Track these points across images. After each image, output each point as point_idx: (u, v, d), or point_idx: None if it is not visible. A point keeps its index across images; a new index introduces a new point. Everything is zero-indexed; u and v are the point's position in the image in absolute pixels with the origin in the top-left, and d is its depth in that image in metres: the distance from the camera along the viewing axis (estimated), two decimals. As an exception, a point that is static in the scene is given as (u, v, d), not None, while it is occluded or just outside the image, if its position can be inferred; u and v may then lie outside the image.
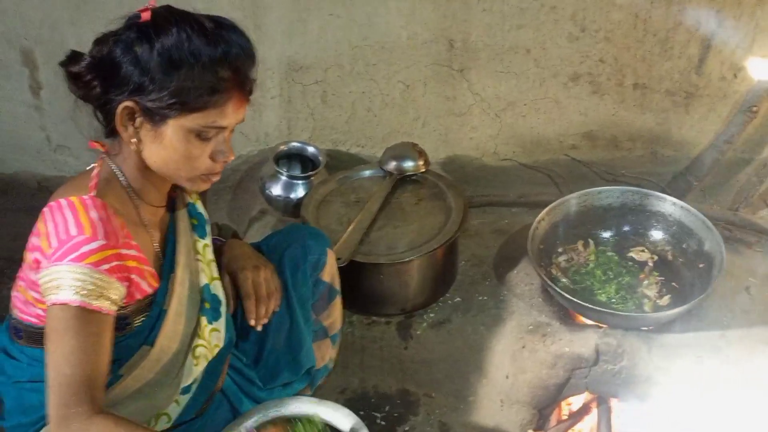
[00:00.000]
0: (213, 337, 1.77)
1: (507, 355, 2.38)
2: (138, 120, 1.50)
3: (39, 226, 1.50)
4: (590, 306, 2.24)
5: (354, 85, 2.90)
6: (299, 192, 2.79)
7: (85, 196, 1.49)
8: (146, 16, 1.48)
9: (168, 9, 1.51)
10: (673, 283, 2.48)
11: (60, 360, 1.43)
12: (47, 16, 2.74)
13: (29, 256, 1.53)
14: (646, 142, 2.93)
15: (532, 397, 2.36)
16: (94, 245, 1.45)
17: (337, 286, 2.12)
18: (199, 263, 1.78)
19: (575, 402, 2.50)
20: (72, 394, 1.43)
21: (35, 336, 1.57)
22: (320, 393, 2.52)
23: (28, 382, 1.61)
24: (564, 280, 2.49)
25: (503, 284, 2.59)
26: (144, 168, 1.58)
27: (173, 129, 1.49)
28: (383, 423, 2.51)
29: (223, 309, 1.82)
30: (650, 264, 2.54)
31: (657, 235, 2.58)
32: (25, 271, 1.56)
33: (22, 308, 1.59)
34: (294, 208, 2.77)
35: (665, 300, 2.41)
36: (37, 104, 2.94)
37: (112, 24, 1.51)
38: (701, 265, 2.42)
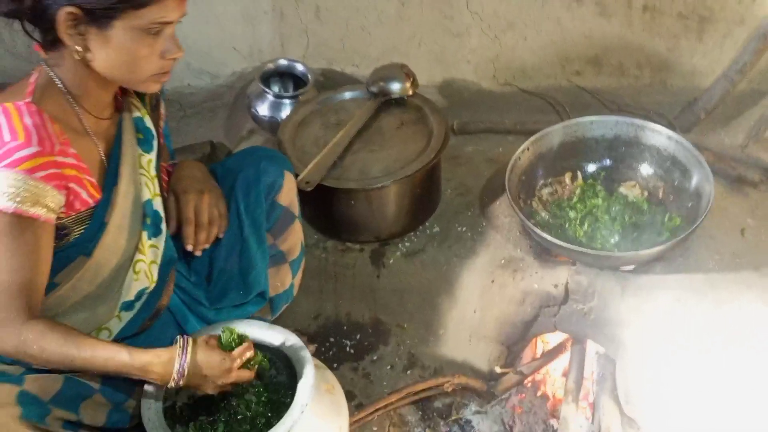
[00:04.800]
0: (151, 253, 1.75)
1: (476, 289, 2.29)
2: (82, 26, 1.47)
3: None
4: (556, 242, 2.11)
5: (347, 1, 2.77)
6: (286, 112, 2.71)
7: (20, 102, 1.48)
8: None
9: None
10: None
11: None
12: None
13: None
14: (655, 70, 2.73)
15: (500, 333, 2.28)
16: (27, 152, 1.44)
17: (296, 210, 2.06)
18: (143, 177, 1.74)
19: (550, 341, 2.41)
20: (7, 299, 1.46)
21: None
22: (293, 318, 2.52)
23: None
24: (543, 213, 2.37)
25: (485, 215, 2.48)
26: (86, 76, 1.56)
27: (121, 30, 1.48)
28: (352, 351, 2.49)
29: (163, 226, 1.80)
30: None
31: (649, 170, 2.42)
32: None
33: None
34: (281, 128, 2.68)
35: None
36: None
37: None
38: (689, 204, 2.27)
